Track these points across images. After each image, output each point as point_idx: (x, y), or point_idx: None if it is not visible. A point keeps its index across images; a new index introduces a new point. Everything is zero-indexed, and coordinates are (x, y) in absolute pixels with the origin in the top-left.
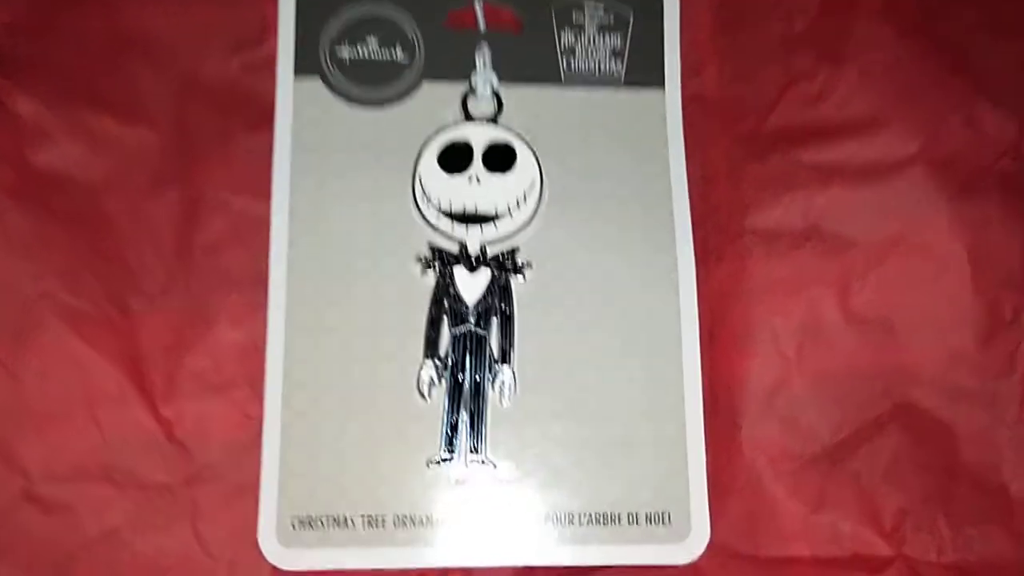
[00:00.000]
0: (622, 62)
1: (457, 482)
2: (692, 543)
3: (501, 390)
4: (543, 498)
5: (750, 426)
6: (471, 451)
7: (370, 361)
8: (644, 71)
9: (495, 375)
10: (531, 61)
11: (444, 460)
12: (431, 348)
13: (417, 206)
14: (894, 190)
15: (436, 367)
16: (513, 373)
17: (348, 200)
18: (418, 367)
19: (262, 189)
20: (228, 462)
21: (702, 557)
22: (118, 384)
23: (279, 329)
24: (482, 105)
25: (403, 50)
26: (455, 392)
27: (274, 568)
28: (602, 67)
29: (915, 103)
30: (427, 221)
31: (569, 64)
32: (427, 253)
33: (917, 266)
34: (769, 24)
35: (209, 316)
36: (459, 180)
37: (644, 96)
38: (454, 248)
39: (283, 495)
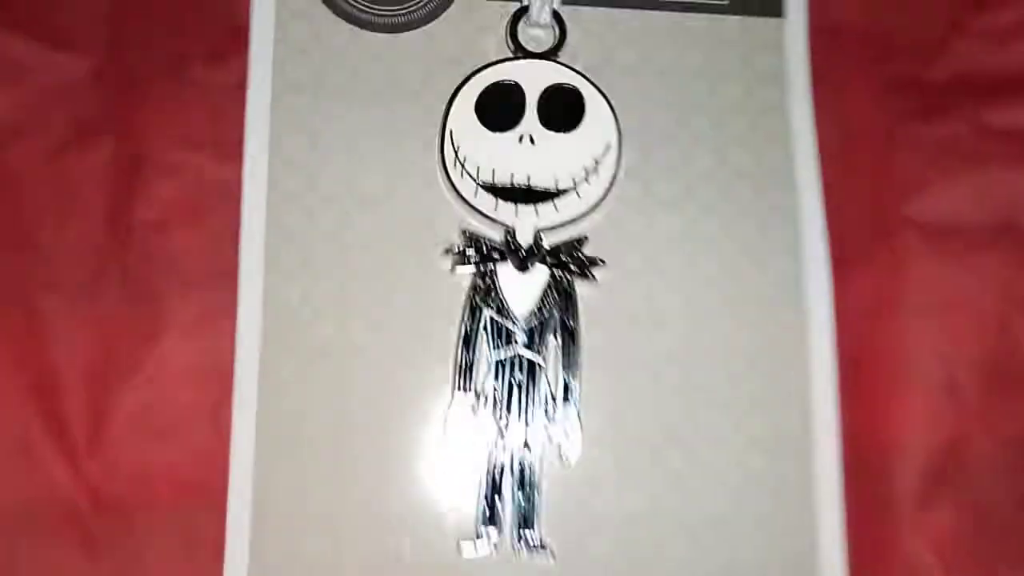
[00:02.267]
0: None
1: (498, 567)
2: None
3: (562, 442)
4: None
5: (911, 503)
6: (519, 525)
7: (377, 394)
8: None
9: (553, 419)
10: None
11: (479, 539)
12: (464, 378)
13: (447, 176)
14: None
15: (471, 404)
16: (578, 416)
17: (349, 164)
18: (447, 404)
19: (229, 145)
20: (177, 536)
21: None
22: (21, 424)
23: (253, 346)
24: (539, 33)
25: None
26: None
27: None
28: None
29: None
30: (461, 197)
31: None
32: (460, 242)
33: None
34: None
35: (155, 324)
36: (506, 140)
37: (757, 26)
38: (498, 236)
39: None
